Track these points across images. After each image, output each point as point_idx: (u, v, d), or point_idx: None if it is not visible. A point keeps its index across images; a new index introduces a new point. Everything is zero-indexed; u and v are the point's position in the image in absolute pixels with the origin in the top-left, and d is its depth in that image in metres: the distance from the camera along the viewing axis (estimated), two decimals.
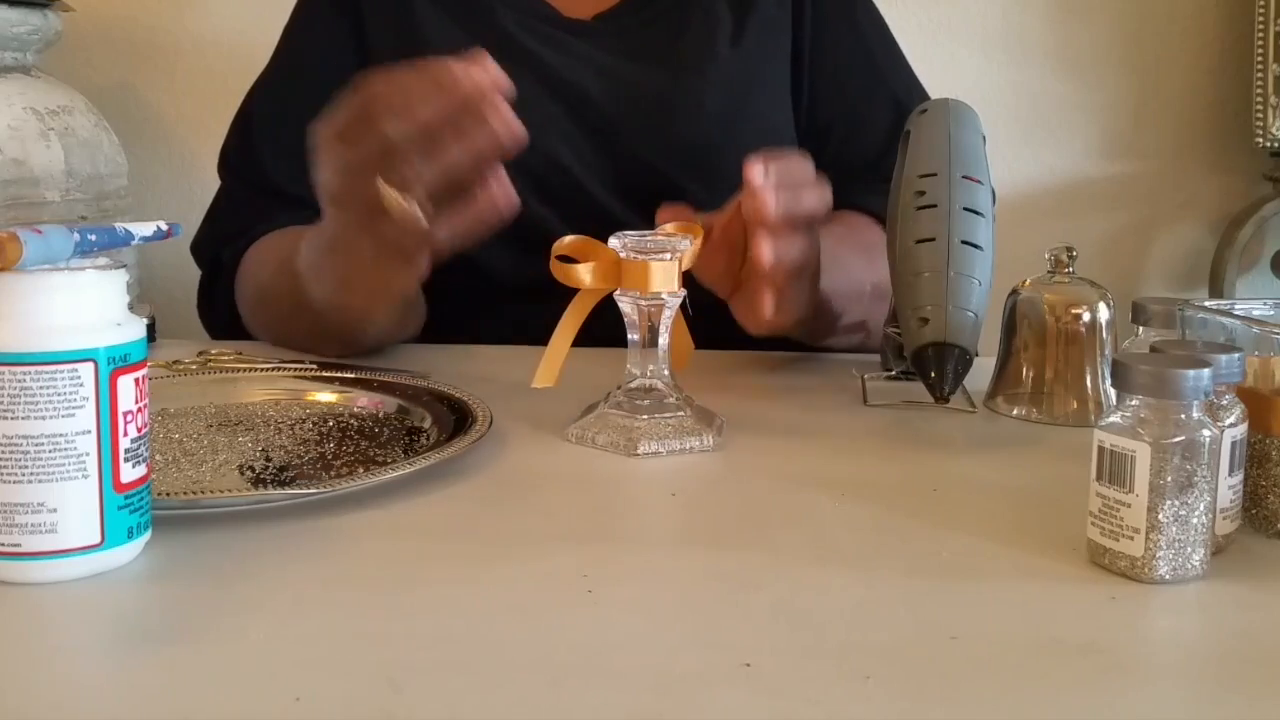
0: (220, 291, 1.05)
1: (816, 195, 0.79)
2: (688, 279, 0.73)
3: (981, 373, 0.78)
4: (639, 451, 0.68)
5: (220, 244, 1.06)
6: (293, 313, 0.92)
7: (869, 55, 1.14)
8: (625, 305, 0.70)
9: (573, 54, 1.06)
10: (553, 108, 1.04)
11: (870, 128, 1.11)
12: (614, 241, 0.70)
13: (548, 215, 1.02)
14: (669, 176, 1.04)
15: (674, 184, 1.03)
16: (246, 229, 1.03)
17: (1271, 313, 0.61)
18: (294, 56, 1.11)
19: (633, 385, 0.71)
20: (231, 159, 1.10)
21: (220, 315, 1.06)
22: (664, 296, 0.69)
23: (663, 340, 0.70)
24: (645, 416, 0.69)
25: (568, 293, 0.74)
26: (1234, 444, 0.53)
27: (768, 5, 1.10)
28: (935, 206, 0.76)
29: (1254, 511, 0.56)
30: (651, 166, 1.04)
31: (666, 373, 0.71)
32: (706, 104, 1.05)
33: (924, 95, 1.14)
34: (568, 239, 0.73)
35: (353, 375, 0.79)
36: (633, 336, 0.70)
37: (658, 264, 0.69)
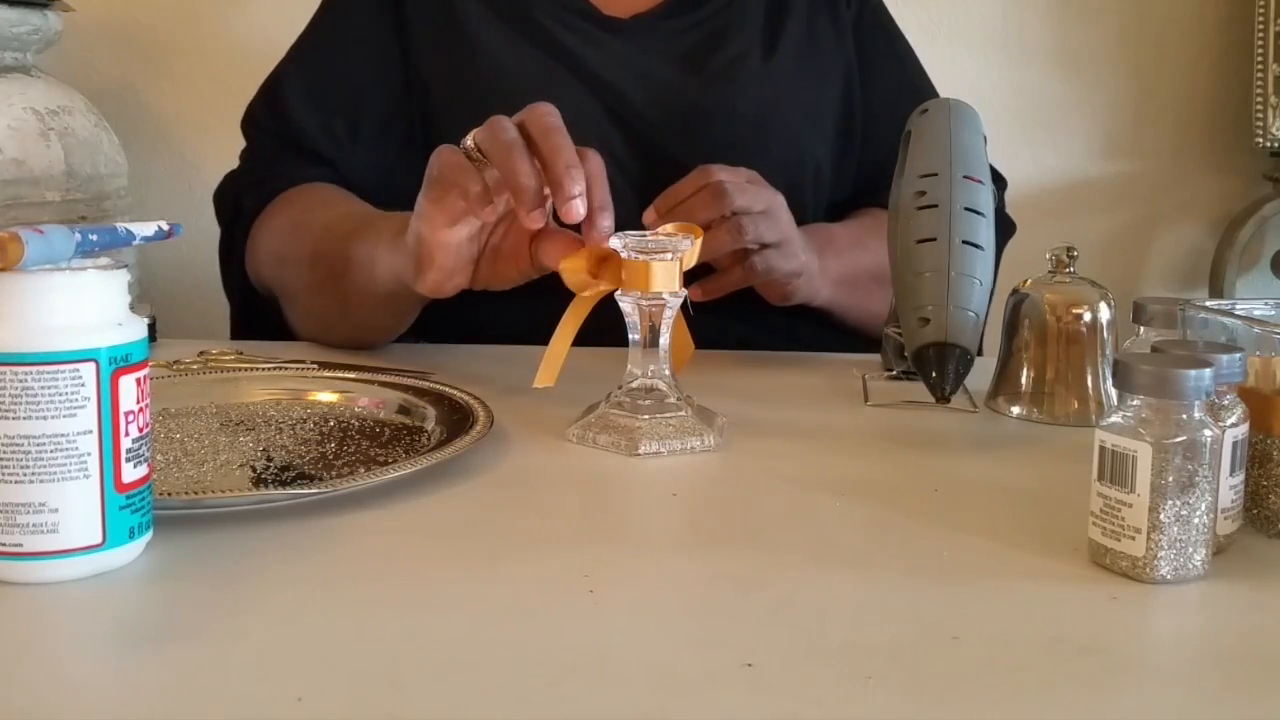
0: (239, 235, 1.06)
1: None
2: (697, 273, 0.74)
3: (982, 373, 0.78)
4: (640, 451, 0.68)
5: (242, 190, 1.06)
6: (329, 280, 0.94)
7: (913, 90, 1.16)
8: (626, 305, 0.70)
9: (610, 52, 1.07)
10: (589, 104, 1.04)
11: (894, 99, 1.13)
12: (615, 241, 0.70)
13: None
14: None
15: None
16: (269, 179, 1.04)
17: (1272, 313, 0.61)
18: (332, 27, 1.11)
19: (634, 385, 0.71)
20: (259, 114, 1.10)
21: (239, 265, 1.07)
22: (665, 296, 0.69)
23: (663, 340, 0.70)
24: (646, 416, 0.69)
25: (570, 291, 0.75)
26: (1235, 444, 0.53)
27: (800, 21, 1.12)
28: (936, 206, 0.76)
29: (1255, 511, 0.56)
30: (683, 168, 1.04)
31: (667, 372, 0.71)
32: (738, 109, 1.06)
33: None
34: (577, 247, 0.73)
35: (354, 375, 0.79)
36: (634, 336, 0.71)
37: (659, 264, 0.69)
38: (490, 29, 1.05)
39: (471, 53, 1.05)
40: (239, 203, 1.06)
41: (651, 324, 0.70)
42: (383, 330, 0.97)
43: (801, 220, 0.97)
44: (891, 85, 1.17)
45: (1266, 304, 0.62)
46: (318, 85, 1.08)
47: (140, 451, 0.51)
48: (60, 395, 0.48)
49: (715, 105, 1.06)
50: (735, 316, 1.03)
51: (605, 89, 1.05)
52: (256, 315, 1.08)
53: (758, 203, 0.90)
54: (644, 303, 0.69)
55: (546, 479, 0.65)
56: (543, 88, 1.00)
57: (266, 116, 1.09)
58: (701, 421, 0.70)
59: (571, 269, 0.73)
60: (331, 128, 1.06)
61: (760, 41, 1.10)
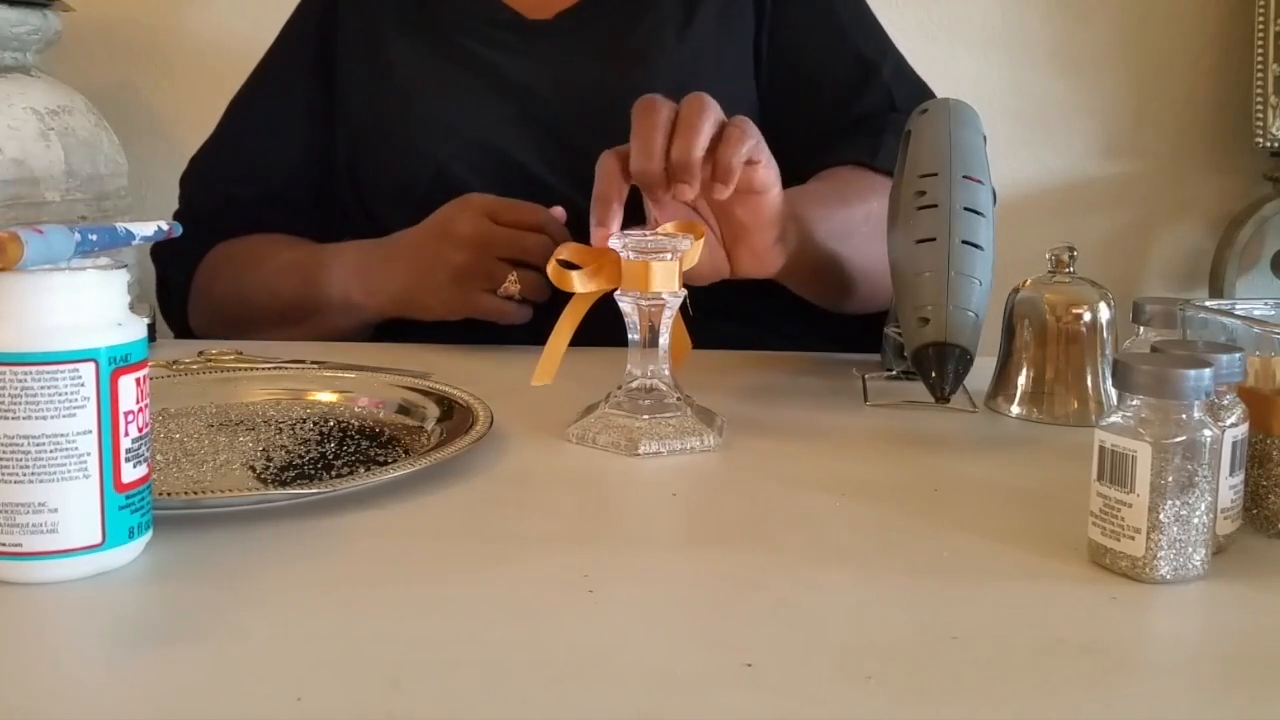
0: (175, 303, 1.14)
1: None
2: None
3: (982, 373, 0.78)
4: (640, 451, 0.68)
5: (166, 264, 1.16)
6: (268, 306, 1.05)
7: (828, 15, 1.13)
8: (625, 305, 0.70)
9: (529, 57, 1.09)
10: (506, 112, 1.07)
11: (832, 84, 1.10)
12: (614, 241, 0.70)
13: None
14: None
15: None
16: (186, 251, 1.11)
17: (1272, 313, 0.61)
18: (262, 88, 1.20)
19: (633, 385, 0.71)
20: (182, 185, 1.19)
21: (179, 317, 1.15)
22: (664, 296, 0.69)
23: (663, 340, 0.70)
24: (646, 416, 0.69)
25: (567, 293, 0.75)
26: (1235, 444, 0.53)
27: None
28: (936, 206, 0.76)
29: (1255, 511, 0.56)
30: None
31: (667, 372, 0.71)
32: (655, 91, 1.06)
33: (898, 56, 1.14)
34: (568, 245, 0.74)
35: (353, 375, 0.79)
36: (633, 336, 0.70)
37: (658, 264, 0.69)
38: (410, 55, 1.11)
39: (389, 79, 1.11)
40: (165, 278, 1.16)
41: (651, 324, 0.70)
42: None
43: None
44: (805, 15, 1.12)
45: (1266, 304, 0.62)
46: (226, 160, 1.17)
47: (140, 451, 0.51)
48: (60, 395, 0.48)
49: (631, 93, 1.06)
50: (735, 317, 1.03)
51: (522, 95, 1.08)
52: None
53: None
54: (643, 303, 0.69)
55: (546, 479, 0.65)
56: (454, 104, 1.07)
57: (180, 194, 1.19)
58: (701, 421, 0.70)
59: (556, 270, 0.73)
60: (234, 198, 1.15)
61: (675, 15, 1.10)
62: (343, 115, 1.14)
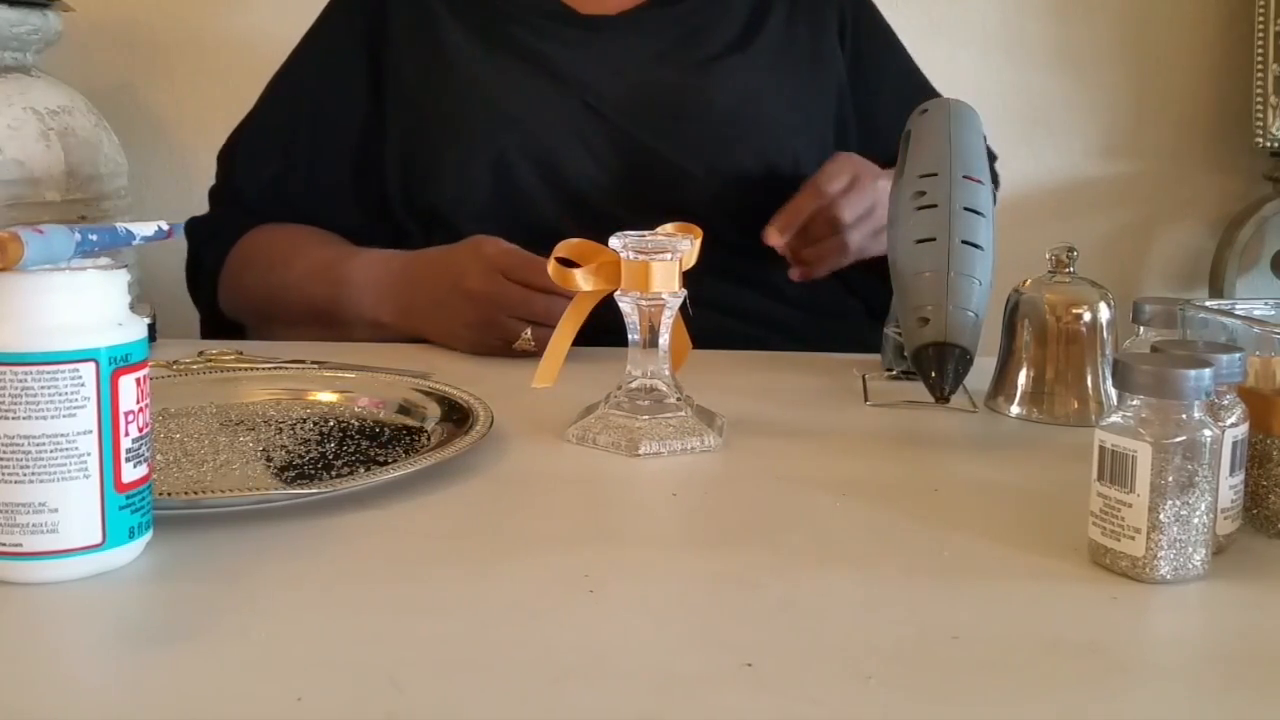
0: (204, 281, 1.14)
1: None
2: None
3: (982, 373, 0.78)
4: (640, 452, 0.68)
5: (200, 242, 1.14)
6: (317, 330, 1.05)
7: (912, 80, 1.21)
8: (626, 305, 0.70)
9: (587, 51, 1.10)
10: (565, 103, 1.07)
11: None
12: (614, 241, 0.70)
13: (557, 212, 1.06)
14: (678, 170, 1.07)
15: (682, 178, 1.06)
16: (221, 232, 1.13)
17: (1272, 313, 0.61)
18: (305, 66, 1.17)
19: (633, 385, 0.71)
20: (220, 161, 1.18)
21: (207, 299, 1.15)
22: (665, 296, 0.69)
23: (663, 340, 0.70)
24: (646, 417, 0.69)
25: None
26: (1235, 444, 0.53)
27: (780, 18, 1.14)
28: (936, 207, 0.76)
29: (1255, 511, 0.56)
30: (662, 160, 1.06)
31: (667, 372, 0.71)
32: (715, 101, 1.09)
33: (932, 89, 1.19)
34: (568, 242, 0.73)
35: (354, 375, 0.79)
36: (633, 337, 0.70)
37: (658, 264, 0.69)
38: (467, 44, 1.10)
39: (448, 67, 1.10)
40: (199, 255, 1.14)
41: (651, 324, 0.70)
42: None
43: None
44: (892, 78, 1.19)
45: (1266, 304, 0.62)
46: (271, 142, 1.15)
47: (140, 451, 0.51)
48: (60, 395, 0.48)
49: (691, 98, 1.09)
50: (734, 315, 1.03)
51: (581, 87, 1.08)
52: (226, 327, 1.16)
53: (859, 209, 1.01)
54: (644, 303, 0.69)
55: (546, 479, 0.65)
56: (514, 92, 1.07)
57: (220, 170, 1.17)
58: (701, 421, 0.70)
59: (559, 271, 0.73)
60: (279, 182, 1.14)
61: (739, 36, 1.12)
62: (398, 105, 1.11)
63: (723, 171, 1.07)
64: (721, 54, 1.11)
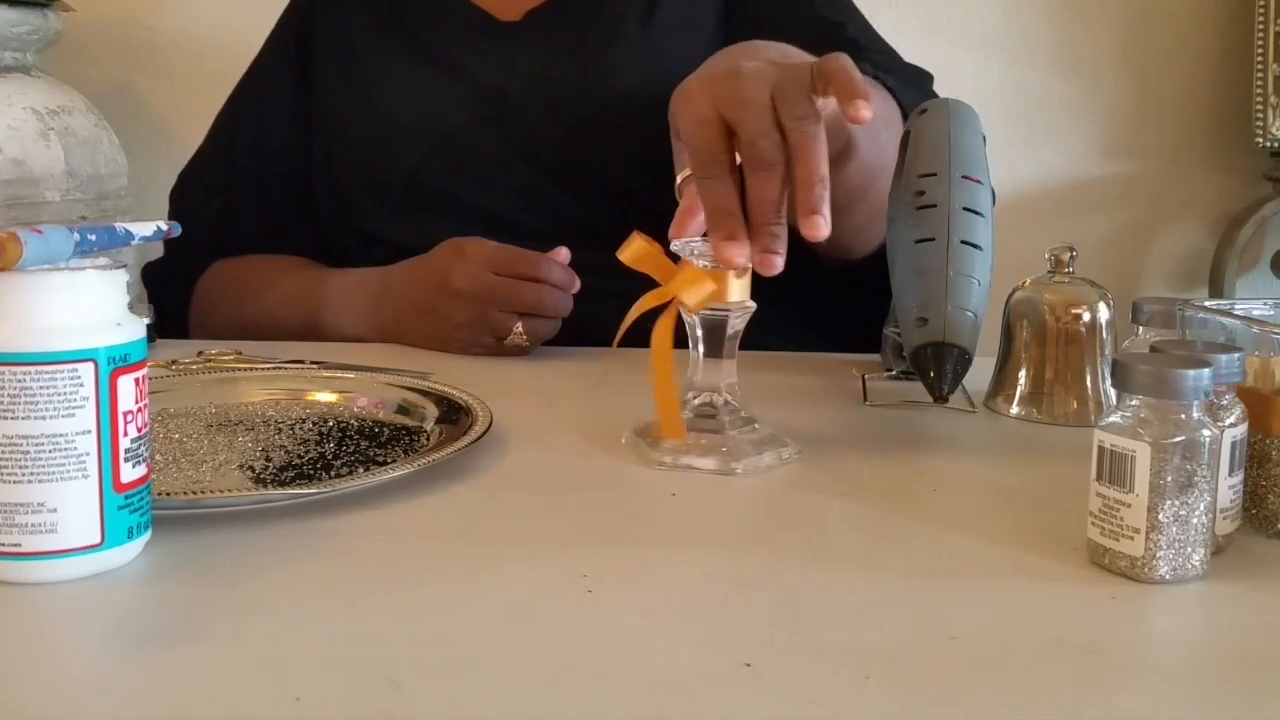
0: (169, 320, 1.13)
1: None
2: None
3: (982, 373, 0.78)
4: (738, 471, 0.65)
5: (160, 286, 1.15)
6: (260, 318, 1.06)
7: (825, 23, 1.10)
8: (699, 316, 0.66)
9: (501, 57, 1.10)
10: (478, 111, 1.08)
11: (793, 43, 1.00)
12: (685, 249, 0.66)
13: (510, 213, 1.06)
14: (601, 159, 1.06)
15: (607, 167, 1.05)
16: (180, 275, 1.14)
17: (1271, 313, 0.61)
18: (244, 103, 1.19)
19: (709, 400, 0.68)
20: (187, 181, 1.19)
21: (175, 323, 1.15)
22: (738, 306, 0.66)
23: (729, 351, 0.68)
24: (733, 433, 0.67)
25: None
26: (1234, 444, 0.53)
27: None
28: (935, 207, 0.76)
29: (1254, 511, 0.56)
30: (574, 158, 1.06)
31: (735, 384, 0.68)
32: (618, 84, 1.08)
33: (863, 23, 1.12)
34: (650, 255, 0.67)
35: (353, 375, 0.79)
36: (703, 349, 0.67)
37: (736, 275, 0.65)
38: (384, 57, 1.11)
39: (366, 81, 1.11)
40: (159, 301, 1.15)
41: (725, 335, 0.67)
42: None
43: None
44: (778, 7, 1.11)
45: (1266, 304, 0.62)
46: (216, 176, 1.17)
47: (139, 451, 0.51)
48: (59, 395, 0.48)
49: (595, 85, 1.08)
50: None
51: (494, 95, 1.08)
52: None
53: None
54: (720, 313, 0.66)
55: (546, 479, 0.65)
56: (425, 104, 1.08)
57: (170, 210, 1.18)
58: (774, 433, 0.68)
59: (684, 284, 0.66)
60: (227, 214, 1.15)
61: (638, 5, 1.11)
62: (319, 123, 1.13)
63: (639, 152, 0.97)
64: (620, 30, 1.10)
